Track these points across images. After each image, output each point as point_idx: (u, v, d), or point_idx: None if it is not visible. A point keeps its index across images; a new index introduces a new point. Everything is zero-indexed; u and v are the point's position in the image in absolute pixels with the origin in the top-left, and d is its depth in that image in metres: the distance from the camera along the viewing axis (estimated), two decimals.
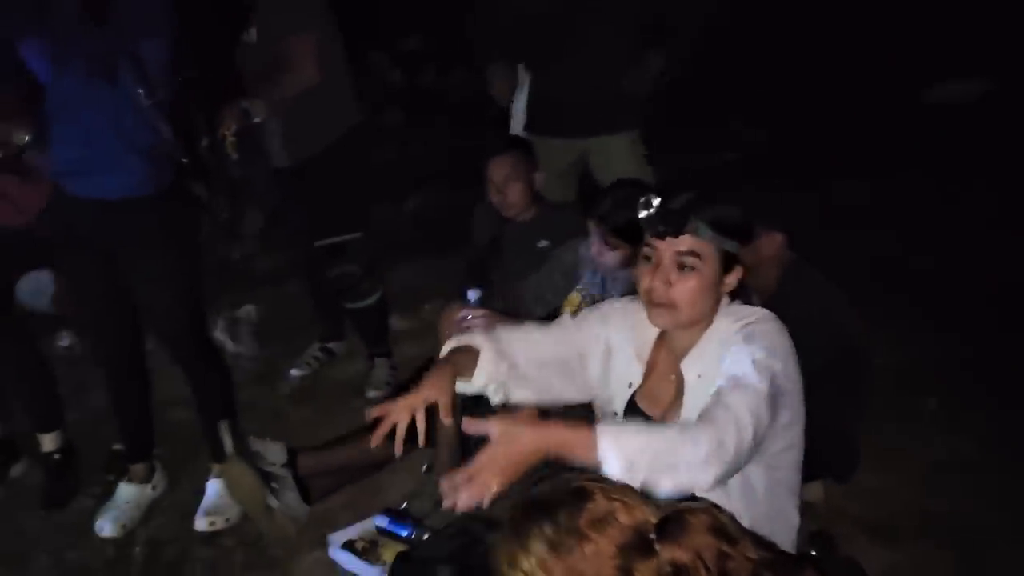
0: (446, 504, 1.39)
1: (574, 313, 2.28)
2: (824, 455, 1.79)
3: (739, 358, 1.53)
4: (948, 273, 3.55)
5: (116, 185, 2.16)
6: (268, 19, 2.64)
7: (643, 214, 1.58)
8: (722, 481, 1.43)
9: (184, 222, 2.32)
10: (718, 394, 1.50)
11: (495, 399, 1.74)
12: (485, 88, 3.08)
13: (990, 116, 4.96)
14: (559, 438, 1.38)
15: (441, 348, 2.29)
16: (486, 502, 1.35)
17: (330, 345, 3.27)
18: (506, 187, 2.69)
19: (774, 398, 1.51)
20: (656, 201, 1.57)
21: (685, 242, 1.57)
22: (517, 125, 3.08)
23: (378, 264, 3.05)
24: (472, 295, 2.28)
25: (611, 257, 2.37)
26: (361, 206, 2.94)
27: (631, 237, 2.24)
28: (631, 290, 1.83)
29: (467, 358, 1.71)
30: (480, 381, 1.71)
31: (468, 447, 2.39)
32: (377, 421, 1.66)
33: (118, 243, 2.23)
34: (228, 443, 2.26)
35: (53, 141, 2.14)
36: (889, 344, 2.81)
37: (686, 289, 1.59)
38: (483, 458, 1.36)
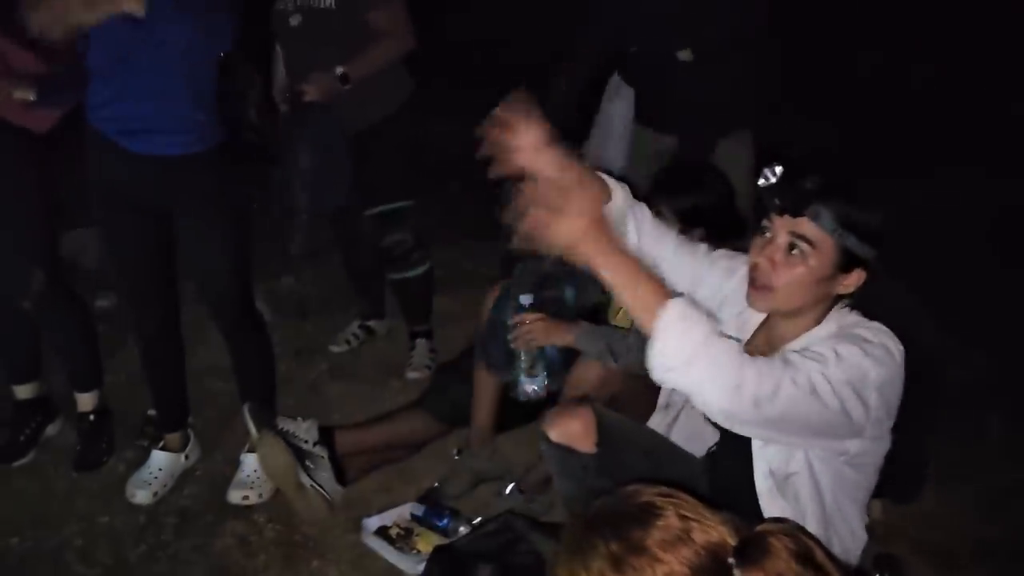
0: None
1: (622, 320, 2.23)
2: (891, 472, 1.70)
3: (826, 346, 1.43)
4: (1014, 285, 3.41)
5: (181, 141, 2.13)
6: None
7: (762, 182, 1.47)
8: (725, 421, 1.38)
9: (239, 182, 2.30)
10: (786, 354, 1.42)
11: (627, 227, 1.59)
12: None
13: None
14: (628, 264, 1.34)
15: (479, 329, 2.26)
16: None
17: (370, 323, 3.23)
18: None
19: (845, 391, 1.40)
20: (779, 170, 1.46)
21: (802, 224, 1.46)
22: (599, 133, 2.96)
23: (426, 238, 2.99)
24: (525, 299, 2.21)
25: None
26: (413, 176, 2.91)
27: (703, 221, 2.18)
28: None
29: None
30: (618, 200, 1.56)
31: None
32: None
33: (178, 201, 2.20)
34: (251, 426, 2.23)
35: (113, 98, 2.09)
36: (951, 359, 2.69)
37: (788, 275, 1.48)
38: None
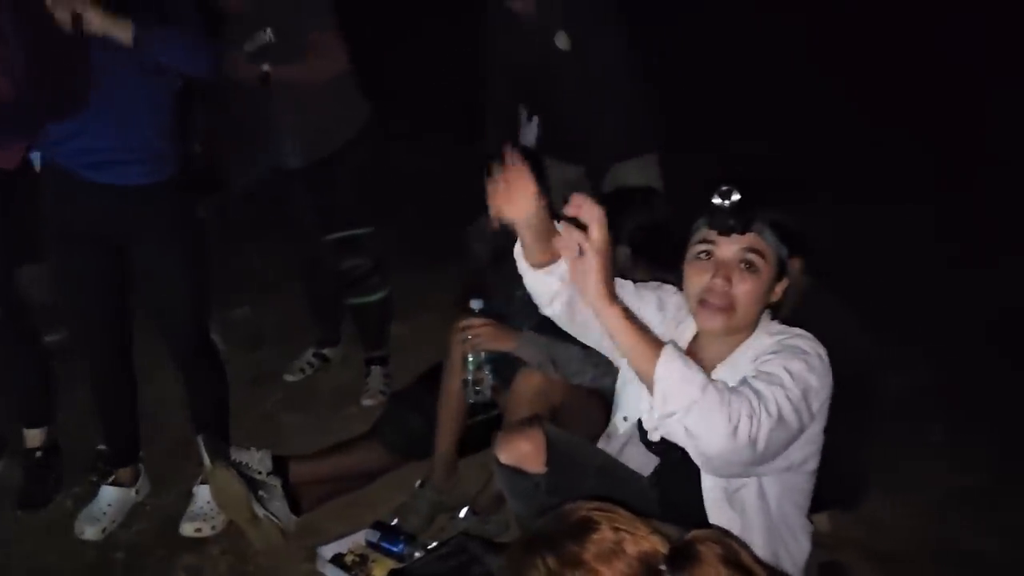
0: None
1: None
2: (833, 481, 1.74)
3: (774, 364, 1.48)
4: (954, 296, 3.51)
5: (144, 171, 2.15)
6: (288, 19, 2.70)
7: (718, 202, 1.51)
8: (720, 466, 1.43)
9: (195, 211, 2.34)
10: (744, 381, 1.46)
11: (552, 307, 1.67)
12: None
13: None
14: (628, 315, 1.44)
15: (451, 360, 2.27)
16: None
17: (325, 351, 3.22)
18: None
19: (800, 407, 1.46)
20: (736, 195, 1.50)
21: (749, 240, 1.52)
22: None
23: (385, 264, 3.01)
24: (476, 304, 2.24)
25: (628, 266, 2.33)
26: (372, 203, 2.95)
27: (633, 241, 2.23)
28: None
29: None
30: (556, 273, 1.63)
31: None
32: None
33: (137, 231, 2.20)
34: (204, 456, 2.21)
35: (78, 130, 2.09)
36: (893, 369, 2.77)
37: (747, 290, 1.53)
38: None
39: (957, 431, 2.69)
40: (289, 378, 3.12)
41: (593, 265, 1.42)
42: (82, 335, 2.36)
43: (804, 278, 2.08)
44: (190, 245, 2.27)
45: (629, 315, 1.45)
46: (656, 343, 1.43)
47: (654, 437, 1.68)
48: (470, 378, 2.24)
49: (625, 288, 1.72)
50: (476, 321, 2.23)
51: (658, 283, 1.77)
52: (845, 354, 2.01)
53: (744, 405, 1.39)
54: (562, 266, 1.61)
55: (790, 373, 1.46)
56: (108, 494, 2.41)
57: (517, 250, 1.67)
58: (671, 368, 1.39)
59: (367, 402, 2.92)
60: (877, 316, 2.20)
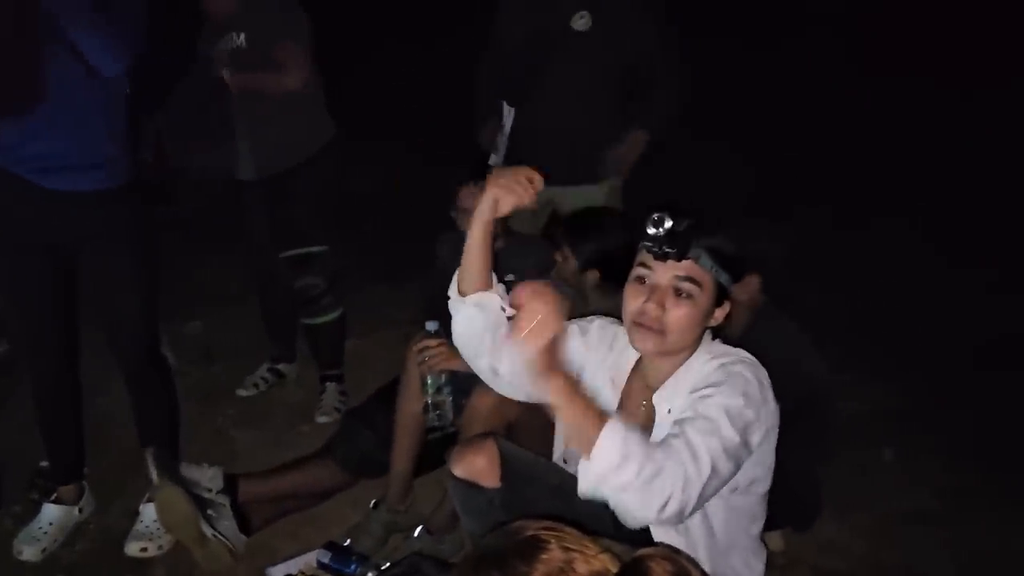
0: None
1: None
2: (785, 502, 1.76)
3: (713, 401, 1.48)
4: (903, 322, 3.58)
5: (96, 177, 2.11)
6: (259, 27, 2.70)
7: (652, 231, 1.52)
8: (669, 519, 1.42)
9: (148, 218, 2.28)
10: (682, 425, 1.46)
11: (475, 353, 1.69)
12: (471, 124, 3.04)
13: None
14: (570, 387, 1.39)
15: (407, 379, 2.25)
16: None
17: (280, 367, 3.17)
18: None
19: (739, 450, 1.48)
20: (669, 222, 1.51)
21: (685, 267, 1.53)
22: (499, 161, 3.03)
23: (340, 283, 2.98)
24: (431, 326, 2.22)
25: (582, 282, 2.33)
26: (328, 222, 2.92)
27: (603, 264, 2.25)
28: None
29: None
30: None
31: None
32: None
33: (88, 239, 2.16)
34: (153, 472, 2.15)
35: (30, 135, 2.04)
36: (844, 392, 2.81)
37: (679, 316, 1.54)
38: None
39: (909, 453, 2.73)
40: (243, 393, 3.06)
41: (544, 337, 1.37)
42: (28, 347, 2.29)
43: (760, 297, 2.11)
44: (142, 254, 2.23)
45: (571, 385, 1.41)
46: (598, 419, 1.38)
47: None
48: (430, 401, 2.21)
49: (572, 336, 1.72)
50: (432, 342, 2.21)
51: (603, 321, 1.78)
52: (799, 376, 2.05)
53: (678, 477, 1.39)
54: (492, 299, 1.65)
55: (728, 415, 1.47)
56: (49, 513, 2.33)
57: (452, 288, 1.70)
58: (609, 452, 1.36)
59: (322, 419, 2.88)
60: (831, 339, 2.22)
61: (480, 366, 1.71)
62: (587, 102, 2.78)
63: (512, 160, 2.93)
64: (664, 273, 1.54)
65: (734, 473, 1.50)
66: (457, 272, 1.71)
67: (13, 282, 2.21)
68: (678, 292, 1.54)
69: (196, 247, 3.94)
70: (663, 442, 1.45)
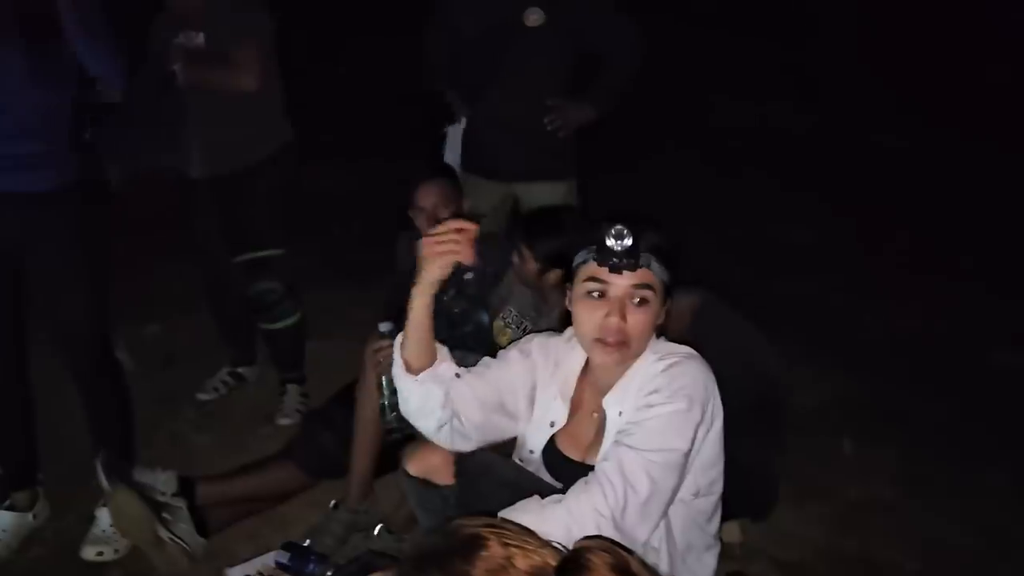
0: None
1: (508, 342, 2.25)
2: (741, 493, 1.77)
3: (655, 412, 1.51)
4: (858, 314, 3.63)
5: (41, 177, 2.08)
6: (218, 26, 2.65)
7: (610, 243, 1.51)
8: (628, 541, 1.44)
9: (99, 220, 2.23)
10: (618, 447, 1.50)
11: (433, 428, 1.69)
12: (423, 114, 3.03)
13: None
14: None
15: (363, 380, 2.23)
16: None
17: (240, 370, 3.14)
18: (436, 214, 2.62)
19: (684, 459, 1.51)
20: (625, 233, 1.51)
21: (639, 275, 1.53)
22: (450, 155, 3.03)
23: (297, 286, 2.95)
24: (384, 327, 2.20)
25: (543, 282, 2.33)
26: (284, 225, 2.87)
27: (564, 264, 2.25)
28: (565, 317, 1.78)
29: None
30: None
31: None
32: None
33: (36, 241, 2.12)
34: (102, 478, 2.13)
35: None
36: (802, 384, 2.84)
37: (640, 323, 1.55)
38: None
39: (864, 443, 2.76)
40: (202, 397, 3.02)
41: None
42: None
43: (702, 294, 2.11)
44: (91, 254, 2.19)
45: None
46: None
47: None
48: (386, 403, 2.20)
49: (488, 369, 1.73)
50: (386, 343, 2.19)
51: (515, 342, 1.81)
52: (754, 370, 2.06)
53: (600, 506, 1.44)
54: (446, 370, 1.66)
55: (672, 425, 1.50)
56: (3, 519, 2.29)
57: (396, 358, 1.69)
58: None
59: (283, 421, 2.85)
60: (785, 332, 2.25)
61: (426, 427, 1.70)
62: (543, 96, 2.79)
63: (470, 156, 2.93)
64: (621, 284, 1.54)
65: (680, 482, 1.52)
66: (400, 344, 1.69)
67: None
68: (639, 300, 1.54)
69: (155, 248, 3.89)
70: (597, 470, 1.50)
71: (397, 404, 2.17)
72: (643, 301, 1.54)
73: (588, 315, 1.57)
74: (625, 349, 1.56)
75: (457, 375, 1.67)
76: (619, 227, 1.51)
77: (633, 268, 1.52)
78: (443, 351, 1.70)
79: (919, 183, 4.98)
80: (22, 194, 2.07)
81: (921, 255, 4.18)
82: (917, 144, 5.47)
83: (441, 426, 1.67)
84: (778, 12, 6.77)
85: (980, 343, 3.40)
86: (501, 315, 2.47)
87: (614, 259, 1.52)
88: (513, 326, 2.42)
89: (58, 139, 2.09)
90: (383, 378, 2.18)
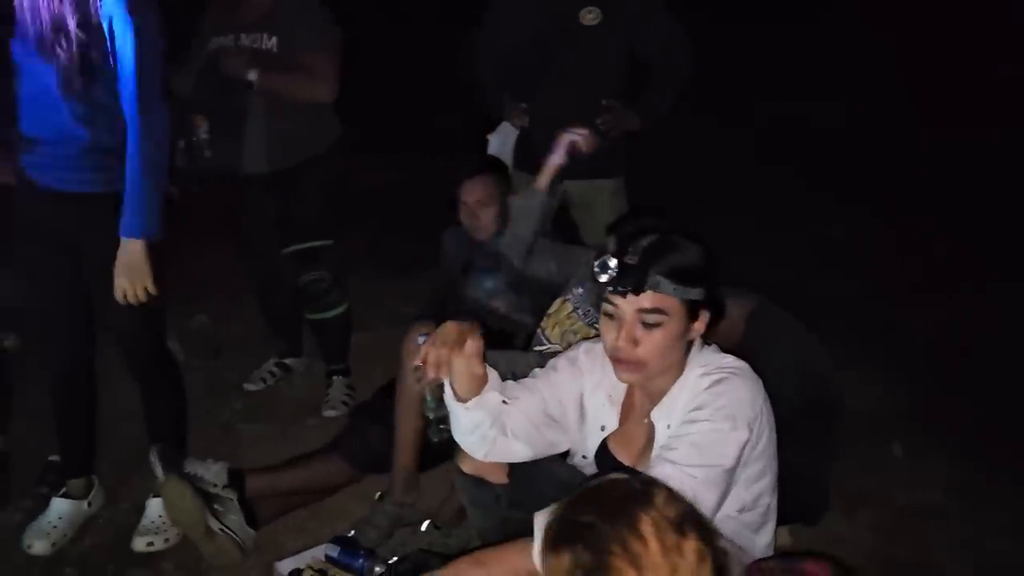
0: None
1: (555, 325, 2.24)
2: (794, 499, 1.75)
3: (698, 428, 1.49)
4: (903, 316, 3.56)
5: (87, 180, 2.11)
6: (292, 32, 2.71)
7: (603, 278, 1.51)
8: None
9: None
10: (660, 463, 1.49)
11: (480, 449, 1.69)
12: (476, 112, 3.02)
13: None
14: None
15: (403, 371, 2.23)
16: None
17: (287, 361, 3.17)
18: (478, 210, 2.61)
19: (726, 475, 1.49)
20: (613, 263, 1.50)
21: (647, 299, 1.50)
22: (502, 149, 3.01)
23: (345, 277, 2.98)
24: (421, 340, 2.19)
25: None
26: (334, 216, 2.93)
27: None
28: None
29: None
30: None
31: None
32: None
33: (88, 238, 2.16)
34: (158, 469, 2.17)
35: (34, 136, 2.08)
36: (850, 387, 2.79)
37: (652, 346, 1.53)
38: None
39: (914, 449, 2.71)
40: (249, 388, 3.06)
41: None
42: (46, 340, 2.31)
43: (754, 300, 2.07)
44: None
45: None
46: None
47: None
48: (432, 416, 2.18)
49: (536, 383, 1.72)
50: (423, 355, 2.18)
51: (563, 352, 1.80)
52: (806, 376, 2.03)
53: None
54: (491, 400, 1.64)
55: (712, 443, 1.48)
56: (59, 507, 2.33)
57: (447, 390, 1.68)
58: None
59: (328, 413, 2.88)
60: (829, 334, 2.20)
61: (474, 447, 1.70)
62: (596, 96, 2.77)
63: (523, 154, 2.91)
64: (627, 308, 1.52)
65: (723, 498, 1.50)
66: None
67: (30, 276, 2.25)
68: (645, 324, 1.52)
69: (201, 239, 3.94)
70: None
71: (443, 417, 2.18)
72: (653, 324, 1.51)
73: (605, 334, 1.57)
74: (641, 368, 1.55)
75: (504, 402, 1.66)
76: (602, 257, 1.51)
77: (637, 291, 1.49)
78: (493, 375, 1.67)
79: (960, 184, 4.87)
80: (78, 194, 2.11)
81: (963, 256, 4.10)
82: (956, 146, 5.35)
83: (489, 447, 1.68)
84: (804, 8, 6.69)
85: None
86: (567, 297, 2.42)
87: (612, 285, 1.51)
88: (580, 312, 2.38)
89: (114, 139, 2.10)
90: (426, 394, 2.17)
